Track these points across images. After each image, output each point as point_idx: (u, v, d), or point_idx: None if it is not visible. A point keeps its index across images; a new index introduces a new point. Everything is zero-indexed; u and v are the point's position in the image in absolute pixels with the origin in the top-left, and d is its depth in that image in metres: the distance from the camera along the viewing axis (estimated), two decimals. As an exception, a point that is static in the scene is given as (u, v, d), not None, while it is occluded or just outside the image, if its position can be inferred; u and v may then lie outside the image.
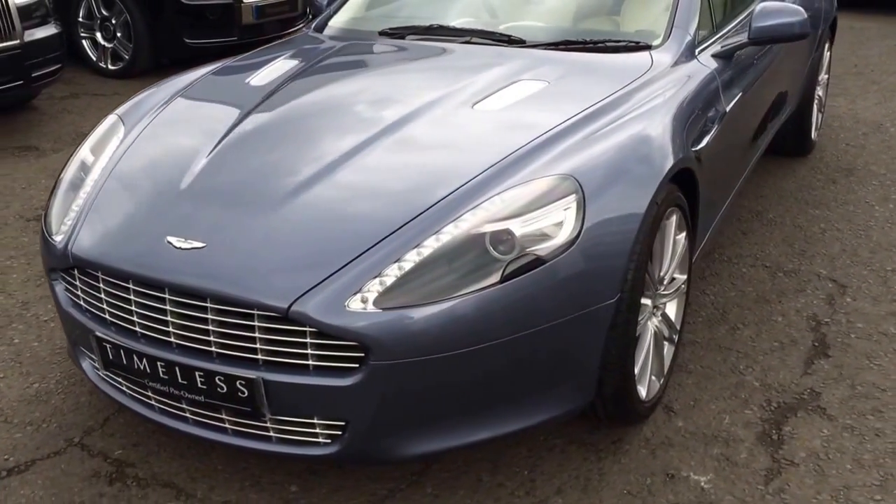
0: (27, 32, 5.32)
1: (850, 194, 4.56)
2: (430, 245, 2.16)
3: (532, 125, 2.56)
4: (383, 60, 3.25)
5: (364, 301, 2.09)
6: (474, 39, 3.25)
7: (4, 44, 5.17)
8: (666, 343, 2.84)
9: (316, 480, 2.50)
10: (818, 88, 5.16)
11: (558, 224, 2.22)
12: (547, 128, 2.53)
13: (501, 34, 3.25)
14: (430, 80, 2.92)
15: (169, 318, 2.22)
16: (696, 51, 3.16)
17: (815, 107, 5.11)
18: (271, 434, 2.25)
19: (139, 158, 2.68)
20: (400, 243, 2.18)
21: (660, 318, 2.75)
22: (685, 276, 2.87)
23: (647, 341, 2.63)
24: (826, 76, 5.37)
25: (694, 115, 2.85)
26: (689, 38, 3.15)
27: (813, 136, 5.14)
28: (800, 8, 3.30)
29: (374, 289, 2.10)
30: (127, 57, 6.81)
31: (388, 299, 2.09)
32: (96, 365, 2.47)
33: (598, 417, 2.56)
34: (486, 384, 2.21)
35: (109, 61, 6.95)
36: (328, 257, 2.17)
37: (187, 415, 2.33)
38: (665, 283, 2.73)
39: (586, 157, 2.40)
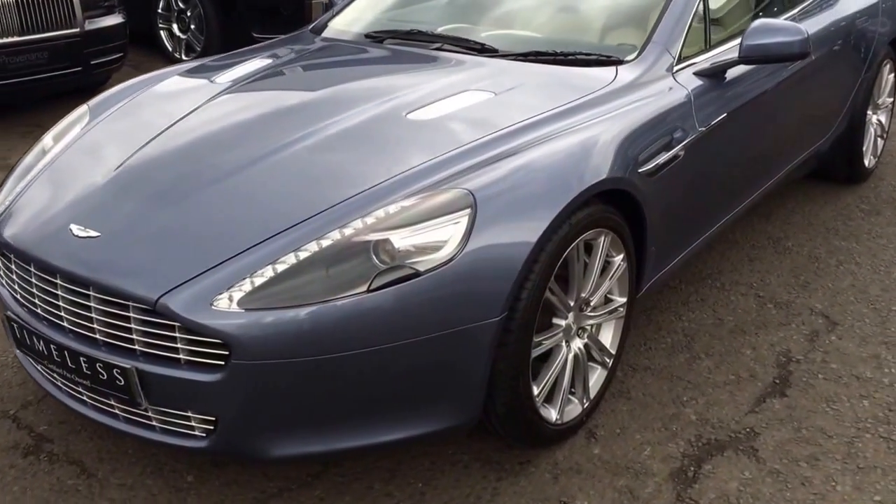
0: (88, 21, 5.59)
1: (888, 227, 4.29)
2: (311, 249, 2.17)
3: (453, 138, 2.52)
4: (344, 64, 3.27)
5: (230, 300, 2.12)
6: (446, 46, 3.22)
7: (63, 31, 5.44)
8: (598, 367, 2.76)
9: (213, 472, 2.54)
10: (878, 113, 4.87)
11: (443, 239, 2.19)
12: (467, 141, 2.49)
13: (475, 42, 3.21)
14: (377, 86, 2.92)
15: (61, 304, 2.31)
16: (676, 68, 3.04)
17: (871, 132, 4.82)
18: (154, 424, 2.31)
19: (83, 149, 2.79)
20: (280, 245, 2.19)
21: (586, 339, 2.66)
22: (624, 300, 2.77)
23: (562, 362, 2.56)
24: (891, 100, 5.06)
25: (648, 134, 2.74)
26: (666, 54, 3.03)
27: (867, 163, 4.85)
28: (800, 27, 3.12)
29: (243, 288, 2.12)
30: (199, 49, 7.07)
31: (254, 300, 2.11)
32: (16, 343, 2.58)
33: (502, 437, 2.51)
34: (358, 392, 2.20)
35: (183, 52, 7.24)
36: (208, 254, 2.21)
37: (85, 398, 2.41)
38: (592, 304, 2.64)
39: (494, 172, 2.36)
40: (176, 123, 2.79)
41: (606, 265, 2.68)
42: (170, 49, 7.30)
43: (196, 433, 2.26)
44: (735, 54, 3.12)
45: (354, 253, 2.17)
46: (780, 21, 3.15)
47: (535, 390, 2.46)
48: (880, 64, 4.62)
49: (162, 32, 7.31)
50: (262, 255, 2.18)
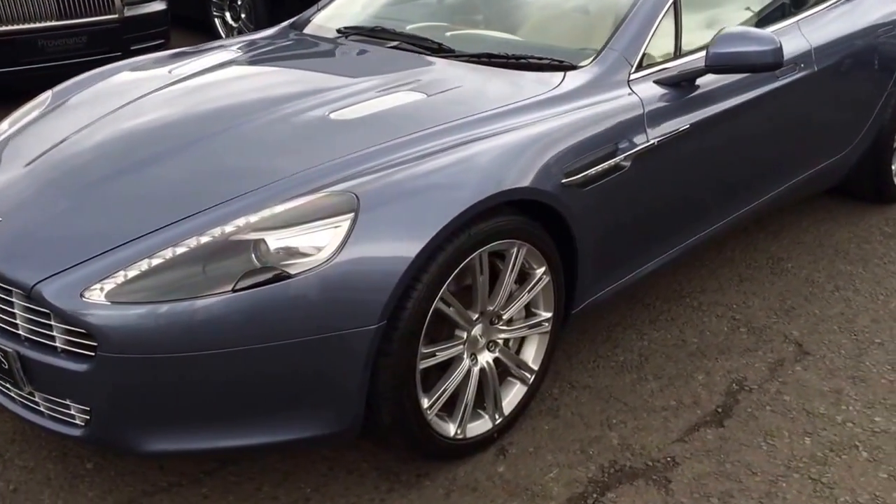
0: (128, 7, 5.73)
1: (907, 252, 4.02)
2: (190, 244, 2.16)
3: (364, 139, 2.47)
4: (295, 60, 3.24)
5: (101, 291, 2.12)
6: (403, 45, 3.17)
7: (102, 17, 5.60)
8: (517, 382, 2.67)
9: (111, 461, 2.56)
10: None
11: (320, 243, 2.15)
12: (376, 143, 2.43)
13: (433, 42, 3.14)
14: (315, 83, 2.89)
15: (-43, 284, 2.35)
16: (634, 76, 2.90)
17: (907, 149, 4.54)
18: (42, 409, 2.33)
19: (26, 134, 2.85)
20: (162, 239, 2.19)
21: (498, 353, 2.58)
22: (549, 314, 2.66)
23: (462, 376, 2.48)
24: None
25: (581, 143, 2.63)
26: (622, 61, 2.90)
27: (901, 182, 4.56)
28: (772, 35, 2.95)
29: (116, 280, 2.13)
30: (249, 37, 7.19)
31: (123, 293, 2.11)
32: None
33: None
34: (226, 393, 2.18)
35: (235, 40, 7.38)
36: (92, 244, 2.22)
37: (-13, 380, 2.46)
38: (505, 318, 2.55)
39: (392, 177, 2.30)
40: (106, 115, 2.82)
41: (526, 277, 2.58)
42: (223, 36, 7.45)
43: (76, 422, 2.28)
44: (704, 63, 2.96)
45: (233, 251, 2.15)
46: (752, 29, 2.98)
47: (426, 402, 2.38)
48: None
49: (216, 20, 7.46)
50: (141, 248, 2.17)
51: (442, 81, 2.82)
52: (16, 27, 5.47)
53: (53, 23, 5.50)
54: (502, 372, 2.64)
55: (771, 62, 2.94)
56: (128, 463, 2.55)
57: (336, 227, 2.17)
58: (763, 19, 3.56)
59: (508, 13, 3.46)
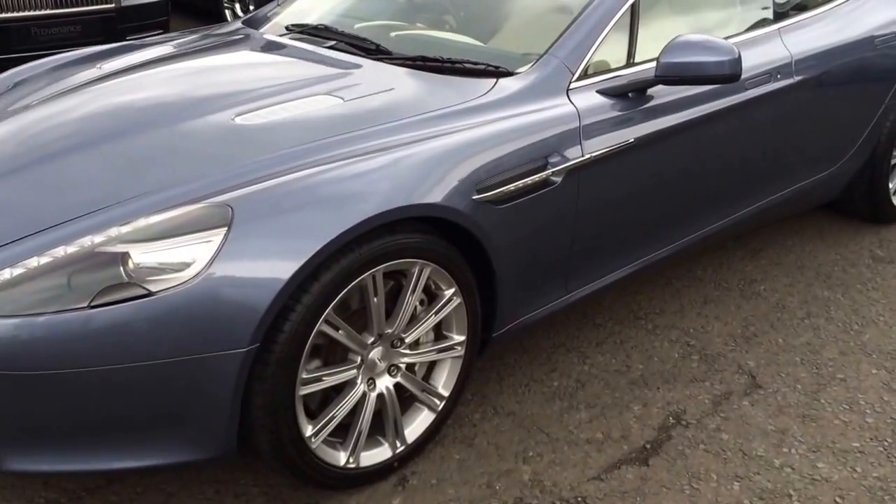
0: (126, -2, 5.68)
1: (894, 279, 3.77)
2: (55, 254, 2.05)
3: (260, 147, 2.34)
4: (224, 58, 3.11)
5: (-42, 300, 2.02)
6: (340, 45, 3.02)
7: (98, 7, 5.54)
8: (424, 408, 2.52)
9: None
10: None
11: (187, 259, 2.03)
12: (271, 152, 2.30)
13: (371, 42, 2.99)
14: (233, 84, 2.76)
15: None
16: (575, 84, 2.73)
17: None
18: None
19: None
20: (28, 247, 2.08)
21: (399, 378, 2.43)
22: (463, 338, 2.51)
23: (354, 400, 2.33)
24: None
25: (501, 157, 2.47)
26: (562, 68, 2.73)
27: (898, 202, 4.30)
28: (730, 45, 2.75)
29: (-26, 290, 2.02)
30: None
31: (-22, 304, 2.00)
32: None
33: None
34: (83, 414, 2.07)
35: (242, 31, 7.32)
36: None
37: None
38: (408, 341, 2.40)
39: (276, 190, 2.16)
40: (10, 112, 2.72)
41: (434, 298, 2.43)
42: (231, 27, 7.39)
43: (-58, 430, 2.18)
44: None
45: (100, 264, 2.03)
46: (709, 37, 2.77)
47: (310, 430, 2.24)
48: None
49: (227, 11, 7.39)
50: (5, 256, 2.06)
51: (364, 86, 2.67)
52: (10, 15, 5.44)
53: (48, 11, 5.45)
54: (409, 397, 2.49)
55: (727, 74, 2.74)
56: (9, 477, 2.45)
57: (207, 241, 2.04)
58: (740, 25, 3.34)
59: (471, 15, 3.29)
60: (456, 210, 2.32)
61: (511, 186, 2.46)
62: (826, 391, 2.96)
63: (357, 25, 3.24)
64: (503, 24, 3.14)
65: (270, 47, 3.14)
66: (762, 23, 3.41)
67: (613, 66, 2.87)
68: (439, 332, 2.51)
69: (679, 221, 3.14)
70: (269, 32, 3.35)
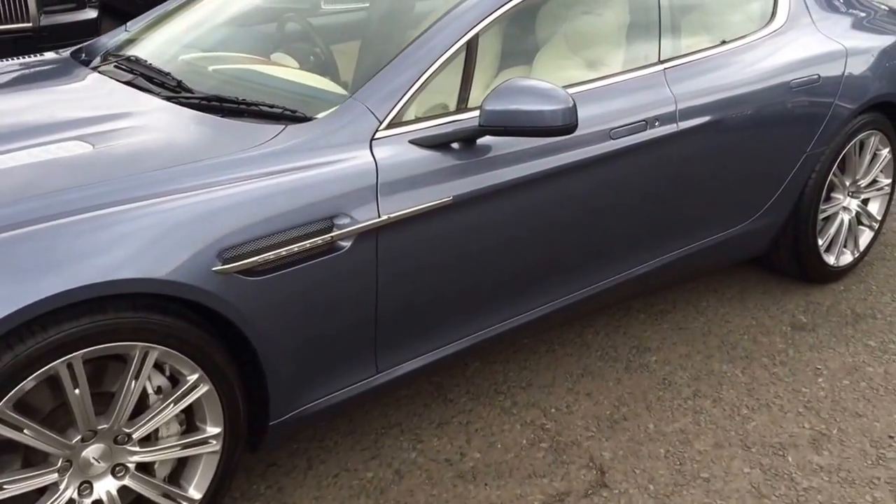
0: (45, 16, 5.37)
1: (808, 352, 3.34)
2: None
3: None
4: (15, 91, 2.75)
5: None
6: (137, 80, 2.66)
7: (13, 25, 5.25)
8: (170, 512, 2.13)
9: None
10: (857, 196, 3.89)
11: None
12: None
13: (172, 78, 2.63)
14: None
15: None
16: (382, 133, 2.35)
17: (842, 221, 3.86)
18: None
19: None
20: None
21: (129, 481, 2.05)
22: (218, 430, 2.13)
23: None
24: (889, 181, 4.01)
25: (263, 220, 2.10)
26: (367, 115, 2.36)
27: (833, 260, 3.86)
28: (564, 93, 2.36)
29: None
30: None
31: None
32: None
33: None
34: None
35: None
36: None
37: None
38: (136, 437, 2.03)
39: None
40: None
41: (174, 386, 2.05)
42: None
43: None
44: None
45: None
46: (540, 82, 2.38)
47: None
48: (849, 136, 3.64)
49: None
50: None
51: (129, 130, 2.31)
52: (-82, 33, 5.17)
53: (-45, 30, 5.18)
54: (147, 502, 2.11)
55: (559, 126, 2.35)
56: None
57: None
58: (614, 66, 2.94)
59: (341, 50, 2.95)
60: (180, 284, 1.94)
61: (271, 254, 2.08)
62: (681, 494, 2.53)
63: (183, 56, 2.88)
64: (371, 61, 2.75)
65: (69, 81, 2.79)
66: (644, 61, 3.00)
67: (440, 112, 2.48)
68: (190, 423, 2.13)
69: (531, 286, 2.74)
70: (95, 62, 3.00)
